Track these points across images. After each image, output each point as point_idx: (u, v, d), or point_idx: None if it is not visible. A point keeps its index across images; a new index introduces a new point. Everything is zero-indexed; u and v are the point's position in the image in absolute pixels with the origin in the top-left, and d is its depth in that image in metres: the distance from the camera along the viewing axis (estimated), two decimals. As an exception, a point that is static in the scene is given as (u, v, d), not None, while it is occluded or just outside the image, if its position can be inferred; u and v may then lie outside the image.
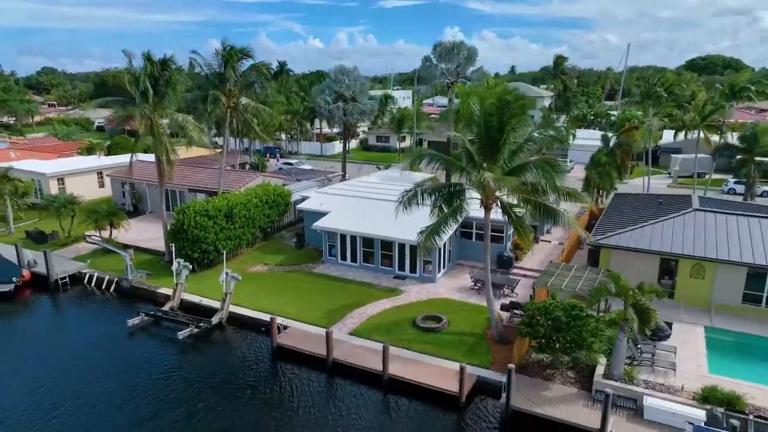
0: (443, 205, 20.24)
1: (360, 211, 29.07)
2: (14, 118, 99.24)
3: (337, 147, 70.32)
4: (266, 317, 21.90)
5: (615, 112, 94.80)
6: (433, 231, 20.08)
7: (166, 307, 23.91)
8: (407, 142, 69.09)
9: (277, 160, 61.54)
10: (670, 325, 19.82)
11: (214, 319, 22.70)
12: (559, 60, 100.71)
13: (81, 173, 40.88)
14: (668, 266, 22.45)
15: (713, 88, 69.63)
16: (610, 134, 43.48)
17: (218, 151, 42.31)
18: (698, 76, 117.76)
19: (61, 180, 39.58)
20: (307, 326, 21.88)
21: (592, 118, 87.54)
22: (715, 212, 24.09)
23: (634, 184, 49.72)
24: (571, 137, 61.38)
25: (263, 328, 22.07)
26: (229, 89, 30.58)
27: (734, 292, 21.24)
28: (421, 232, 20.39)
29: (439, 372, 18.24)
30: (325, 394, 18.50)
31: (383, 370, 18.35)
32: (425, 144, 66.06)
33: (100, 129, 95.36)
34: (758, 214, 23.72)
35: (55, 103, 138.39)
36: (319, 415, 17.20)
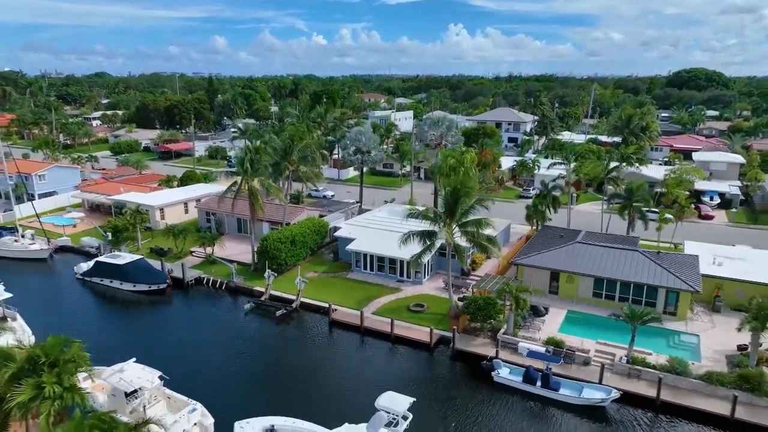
0: (426, 239, 36.52)
1: (375, 237, 45.34)
2: (72, 139, 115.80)
3: (351, 171, 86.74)
4: (323, 304, 38.36)
5: (583, 136, 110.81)
6: (419, 255, 36.38)
7: (262, 298, 40.38)
8: (407, 168, 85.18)
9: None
10: (547, 309, 36.15)
11: (294, 305, 39.14)
12: (539, 92, 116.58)
13: (174, 204, 57.30)
14: (555, 276, 38.74)
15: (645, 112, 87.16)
16: (564, 165, 59.54)
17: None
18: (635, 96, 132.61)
19: (161, 210, 56.02)
20: (346, 309, 38.27)
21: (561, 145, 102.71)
22: (587, 244, 40.36)
23: (578, 210, 65.59)
24: (536, 167, 77.31)
25: (321, 310, 38.49)
26: (292, 159, 46.97)
27: (588, 290, 37.54)
28: (412, 256, 36.75)
29: (421, 333, 34.63)
30: (359, 346, 34.93)
31: (391, 332, 34.75)
32: (421, 171, 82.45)
33: (146, 149, 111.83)
34: (613, 245, 39.93)
35: (98, 120, 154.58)
36: (355, 355, 33.67)
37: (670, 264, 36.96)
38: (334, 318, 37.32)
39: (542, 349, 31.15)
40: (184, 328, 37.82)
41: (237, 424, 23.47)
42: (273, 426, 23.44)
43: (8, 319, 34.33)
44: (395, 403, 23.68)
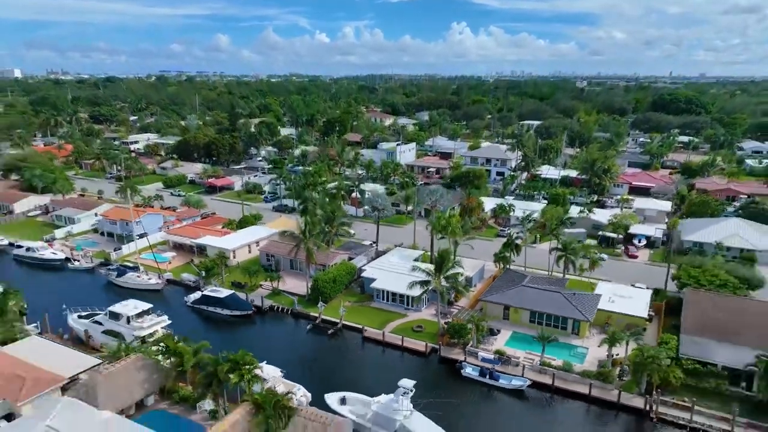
0: (423, 285, 57.81)
1: (390, 278, 66.57)
2: (128, 172, 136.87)
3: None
4: (358, 325, 59.76)
5: (558, 172, 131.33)
6: (420, 295, 57.77)
7: (317, 321, 61.77)
8: (410, 208, 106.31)
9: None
10: (499, 330, 57.48)
11: (338, 326, 60.47)
12: (526, 134, 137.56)
13: (242, 247, 78.67)
14: (507, 308, 60.01)
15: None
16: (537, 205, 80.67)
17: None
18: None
19: (234, 251, 77.33)
20: (372, 329, 59.58)
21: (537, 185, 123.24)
22: (528, 287, 61.63)
23: (540, 248, 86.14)
24: (512, 210, 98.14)
25: (356, 330, 59.83)
26: (334, 225, 68.38)
27: (527, 318, 58.83)
28: (417, 295, 58.17)
29: (420, 345, 56.02)
30: (381, 353, 56.35)
31: (401, 344, 56.17)
32: (422, 210, 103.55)
33: (191, 182, 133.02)
34: (544, 288, 61.10)
35: (138, 146, 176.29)
36: (380, 359, 55.19)
37: (578, 302, 58.22)
38: (365, 335, 58.74)
39: (491, 356, 52.47)
40: (269, 340, 59.24)
41: (326, 396, 44.74)
42: (344, 396, 44.76)
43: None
44: (406, 383, 44.72)
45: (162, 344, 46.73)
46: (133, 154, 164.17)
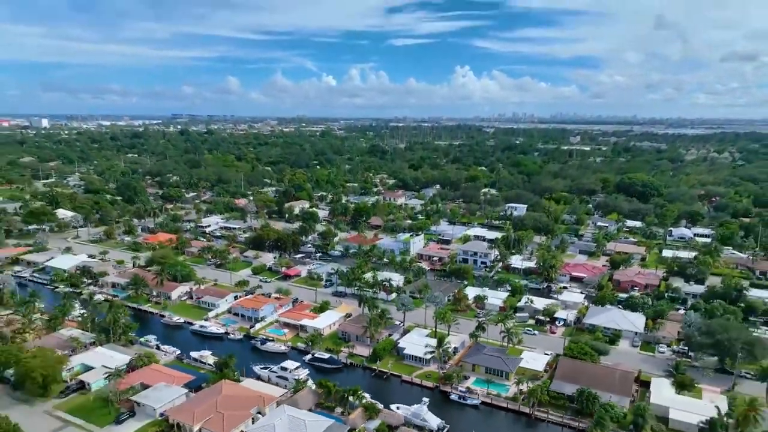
0: (431, 353, 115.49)
1: (413, 347, 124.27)
2: (221, 261, 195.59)
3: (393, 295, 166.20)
4: (397, 373, 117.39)
5: (522, 264, 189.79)
6: (429, 358, 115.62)
7: (376, 371, 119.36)
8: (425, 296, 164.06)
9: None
10: (468, 377, 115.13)
11: (388, 374, 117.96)
12: (507, 227, 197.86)
13: (329, 326, 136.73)
14: (473, 366, 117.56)
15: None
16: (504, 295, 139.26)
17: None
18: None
19: (323, 330, 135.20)
20: (405, 375, 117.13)
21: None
22: (485, 354, 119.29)
23: (499, 326, 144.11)
24: (486, 298, 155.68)
25: (397, 376, 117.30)
26: (384, 320, 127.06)
27: (483, 370, 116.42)
28: (427, 358, 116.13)
29: (430, 383, 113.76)
30: (410, 387, 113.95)
31: (421, 383, 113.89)
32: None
33: (269, 269, 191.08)
34: (491, 354, 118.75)
35: (213, 231, 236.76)
36: (410, 390, 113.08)
37: (509, 362, 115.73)
38: (402, 378, 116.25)
39: (464, 390, 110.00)
40: (353, 382, 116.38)
41: (390, 406, 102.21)
42: (398, 406, 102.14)
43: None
44: (425, 400, 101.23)
45: (314, 383, 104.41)
46: (213, 242, 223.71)
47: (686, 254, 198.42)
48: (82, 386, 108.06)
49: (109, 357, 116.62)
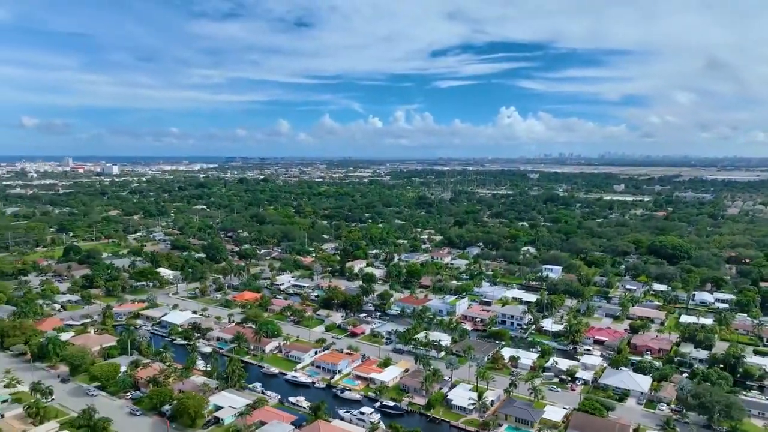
0: (473, 404, 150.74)
1: (460, 399, 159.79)
2: (299, 320, 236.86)
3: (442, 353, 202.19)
4: (446, 419, 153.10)
5: (551, 326, 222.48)
6: (472, 408, 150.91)
7: (431, 416, 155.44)
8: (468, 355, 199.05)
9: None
10: (502, 424, 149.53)
11: (439, 419, 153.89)
12: (541, 292, 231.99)
13: (392, 379, 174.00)
14: (506, 416, 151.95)
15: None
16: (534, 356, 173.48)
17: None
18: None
19: (389, 382, 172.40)
20: (453, 420, 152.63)
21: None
22: (516, 406, 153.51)
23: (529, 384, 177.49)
24: (519, 358, 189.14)
25: (446, 421, 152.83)
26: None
27: (513, 420, 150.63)
28: (470, 408, 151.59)
29: (471, 428, 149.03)
30: (458, 429, 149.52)
31: (466, 427, 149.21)
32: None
33: (338, 327, 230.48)
34: (523, 407, 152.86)
35: (288, 289, 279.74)
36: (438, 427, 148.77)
37: (534, 413, 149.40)
38: (451, 423, 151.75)
39: None
40: (414, 425, 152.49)
41: None
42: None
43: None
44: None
45: (384, 425, 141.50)
46: (289, 299, 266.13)
47: (705, 320, 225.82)
48: (216, 421, 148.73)
49: (231, 399, 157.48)
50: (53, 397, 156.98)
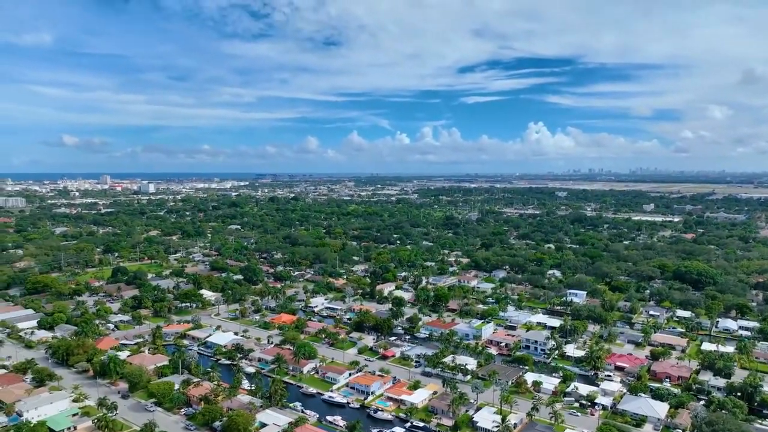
0: (497, 427, 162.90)
1: (485, 422, 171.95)
2: (333, 342, 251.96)
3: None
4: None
5: (574, 351, 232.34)
6: (496, 431, 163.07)
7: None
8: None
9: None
10: None
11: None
12: (566, 318, 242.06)
13: (421, 401, 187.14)
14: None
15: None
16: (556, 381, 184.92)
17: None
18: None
19: (419, 403, 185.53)
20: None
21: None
22: (536, 429, 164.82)
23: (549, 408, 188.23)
24: (541, 383, 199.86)
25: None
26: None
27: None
28: (495, 431, 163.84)
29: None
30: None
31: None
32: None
33: (370, 349, 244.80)
34: (544, 430, 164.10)
35: (321, 311, 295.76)
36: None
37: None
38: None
39: None
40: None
41: None
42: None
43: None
44: None
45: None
46: (323, 322, 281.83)
47: (727, 348, 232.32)
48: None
49: (275, 417, 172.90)
50: (117, 411, 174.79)
